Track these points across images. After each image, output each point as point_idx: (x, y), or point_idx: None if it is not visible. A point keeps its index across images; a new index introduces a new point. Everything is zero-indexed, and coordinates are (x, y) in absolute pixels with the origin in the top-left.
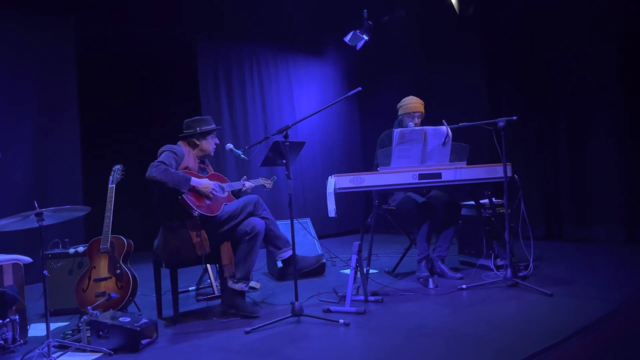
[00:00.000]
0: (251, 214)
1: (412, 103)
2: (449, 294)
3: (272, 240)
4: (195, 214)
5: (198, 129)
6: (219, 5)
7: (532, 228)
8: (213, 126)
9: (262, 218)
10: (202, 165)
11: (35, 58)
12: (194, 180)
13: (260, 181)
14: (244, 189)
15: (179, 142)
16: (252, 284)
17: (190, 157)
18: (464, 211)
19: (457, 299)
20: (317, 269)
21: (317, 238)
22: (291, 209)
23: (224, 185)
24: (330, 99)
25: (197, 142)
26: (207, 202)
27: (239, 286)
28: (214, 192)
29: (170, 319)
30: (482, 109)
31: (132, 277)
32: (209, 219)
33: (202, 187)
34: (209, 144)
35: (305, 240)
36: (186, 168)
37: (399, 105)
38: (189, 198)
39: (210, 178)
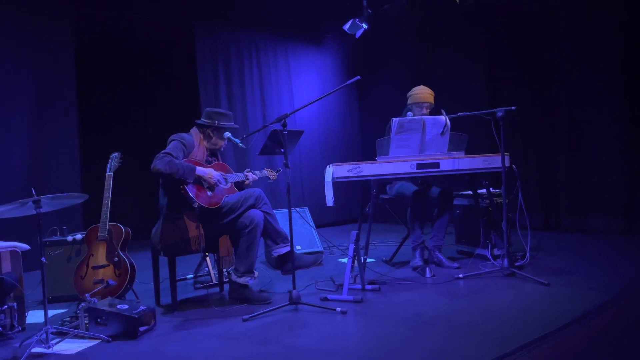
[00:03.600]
0: (251, 207)
1: (422, 93)
2: (446, 283)
3: (270, 234)
4: (196, 205)
5: (217, 122)
6: None
7: (530, 218)
8: (232, 124)
9: (262, 212)
10: (210, 158)
11: (33, 47)
12: (199, 170)
13: (265, 173)
14: (247, 182)
15: (193, 129)
16: None
17: (199, 150)
18: (462, 201)
19: (454, 288)
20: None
21: (315, 227)
22: (289, 198)
23: (227, 176)
24: (329, 88)
25: (212, 135)
26: (209, 193)
27: (243, 280)
28: (218, 182)
29: (168, 306)
30: (481, 99)
31: (130, 265)
32: (209, 210)
33: (207, 176)
34: (223, 141)
35: (303, 230)
36: (194, 159)
37: (409, 94)
38: (190, 189)
39: (215, 168)
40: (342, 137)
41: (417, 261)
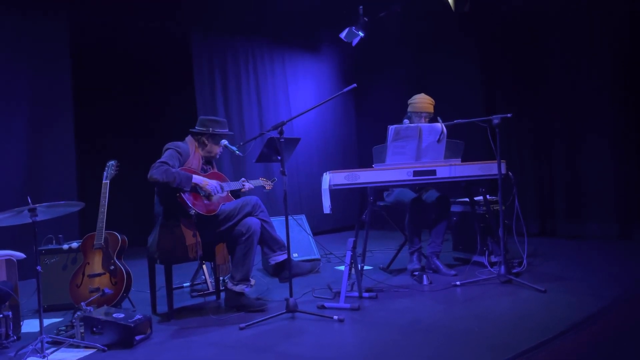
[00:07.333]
0: (248, 215)
1: (421, 102)
2: (443, 290)
3: (267, 242)
4: (192, 212)
5: (211, 129)
6: (214, 0)
7: (526, 225)
8: (226, 131)
9: (259, 220)
10: (205, 167)
11: (29, 52)
12: (196, 178)
13: (260, 182)
14: (243, 189)
15: (187, 137)
16: None
17: (195, 158)
18: (458, 208)
19: (451, 295)
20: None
21: (312, 235)
22: (286, 205)
23: (224, 184)
24: (325, 95)
25: (206, 142)
26: (205, 201)
27: (239, 288)
28: (215, 191)
29: (165, 315)
30: (477, 106)
31: (126, 273)
32: (206, 218)
33: (203, 184)
34: (217, 147)
35: (300, 238)
36: (189, 168)
37: (410, 101)
38: (187, 197)
39: (210, 177)
40: (339, 144)
41: (415, 264)
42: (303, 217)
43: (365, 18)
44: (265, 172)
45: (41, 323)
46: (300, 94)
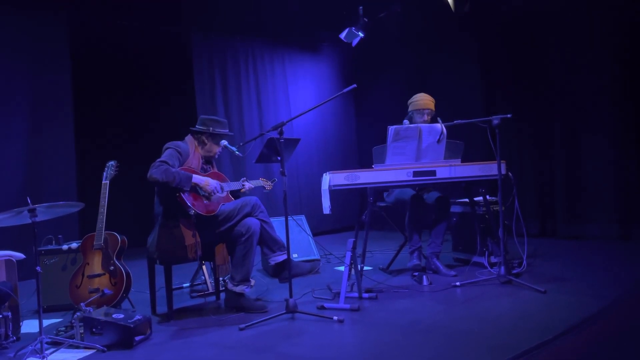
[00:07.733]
0: (248, 215)
1: (422, 100)
2: (443, 291)
3: (266, 242)
4: (192, 212)
5: (212, 129)
6: (214, 1)
7: (526, 225)
8: (226, 131)
9: (259, 220)
10: (205, 166)
11: (29, 53)
12: (196, 178)
13: (260, 182)
14: (243, 190)
15: (187, 137)
16: None
17: (194, 157)
18: (458, 208)
19: (451, 296)
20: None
21: (311, 235)
22: (286, 206)
23: (223, 184)
24: (325, 95)
25: (206, 141)
26: (205, 201)
27: (240, 288)
28: (215, 191)
29: (164, 315)
30: (477, 106)
31: (125, 274)
32: (205, 218)
33: (204, 184)
34: (217, 147)
35: (300, 238)
36: (189, 168)
37: (410, 101)
38: (186, 197)
39: (210, 176)
40: (339, 144)
41: (415, 260)
42: (303, 217)
43: (365, 18)
44: (265, 172)
45: (40, 324)
46: (300, 94)
